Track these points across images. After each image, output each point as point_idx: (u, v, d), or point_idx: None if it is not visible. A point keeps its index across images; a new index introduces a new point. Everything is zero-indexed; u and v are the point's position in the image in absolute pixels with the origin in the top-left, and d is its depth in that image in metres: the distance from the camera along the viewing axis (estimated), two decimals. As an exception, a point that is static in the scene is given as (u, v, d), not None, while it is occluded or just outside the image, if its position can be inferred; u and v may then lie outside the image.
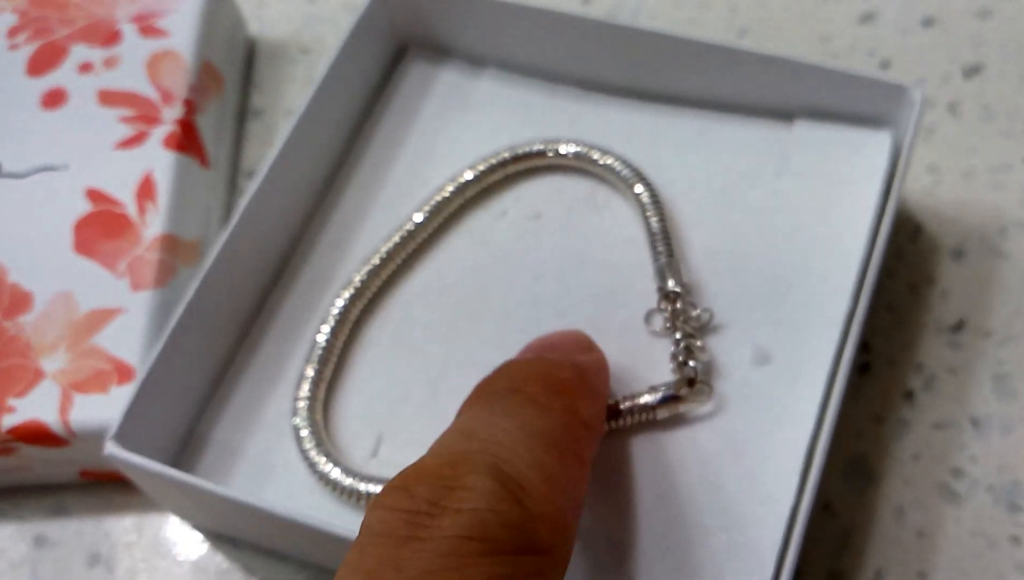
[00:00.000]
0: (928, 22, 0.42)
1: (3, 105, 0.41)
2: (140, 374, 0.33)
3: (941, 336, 0.36)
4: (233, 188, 0.43)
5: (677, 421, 0.32)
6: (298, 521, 0.29)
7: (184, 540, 0.36)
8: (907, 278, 0.37)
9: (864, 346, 0.36)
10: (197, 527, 0.36)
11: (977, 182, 0.38)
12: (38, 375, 0.35)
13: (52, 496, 0.37)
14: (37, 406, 0.35)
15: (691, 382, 0.32)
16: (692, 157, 0.37)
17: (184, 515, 0.35)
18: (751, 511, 0.31)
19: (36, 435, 0.34)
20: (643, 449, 0.32)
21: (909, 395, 0.35)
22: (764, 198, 0.36)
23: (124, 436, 0.32)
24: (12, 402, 0.35)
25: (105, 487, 0.37)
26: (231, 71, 0.44)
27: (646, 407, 0.32)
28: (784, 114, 0.37)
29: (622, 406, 0.32)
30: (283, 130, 0.37)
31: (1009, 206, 0.38)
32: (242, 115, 0.44)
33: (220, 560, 0.35)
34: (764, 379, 0.33)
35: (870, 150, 0.36)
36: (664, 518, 0.31)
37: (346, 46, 0.38)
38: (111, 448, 0.31)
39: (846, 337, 0.33)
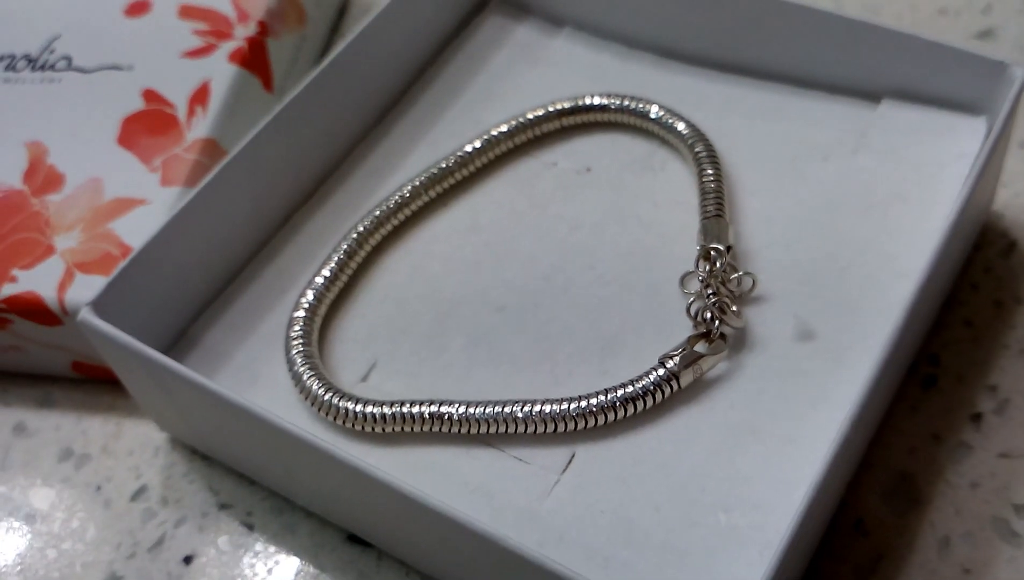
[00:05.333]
0: (1054, 44, 0.36)
1: (89, 10, 0.39)
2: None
3: (1023, 359, 0.29)
4: (296, 124, 0.39)
5: (697, 391, 0.27)
6: (262, 417, 0.25)
7: (156, 451, 0.32)
8: (993, 294, 0.31)
9: (932, 358, 0.30)
10: (174, 437, 0.32)
11: (1089, 207, 0.32)
12: (48, 251, 0.32)
13: (40, 387, 0.34)
14: (39, 280, 0.32)
15: (707, 336, 0.26)
16: (763, 127, 0.32)
17: (161, 418, 0.31)
18: (760, 495, 0.25)
19: (30, 308, 0.31)
20: (655, 415, 0.27)
21: (977, 418, 0.29)
22: (837, 173, 0.30)
23: (103, 308, 0.28)
24: (16, 273, 0.32)
25: (94, 386, 0.34)
26: (318, 15, 0.41)
27: (661, 375, 0.26)
28: (870, 95, 0.32)
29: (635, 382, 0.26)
30: (339, 45, 0.33)
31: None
32: (322, 59, 0.42)
33: (187, 475, 0.31)
34: (804, 357, 0.27)
35: (962, 135, 0.30)
36: (665, 491, 0.25)
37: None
38: (85, 314, 0.28)
39: (906, 326, 0.27)
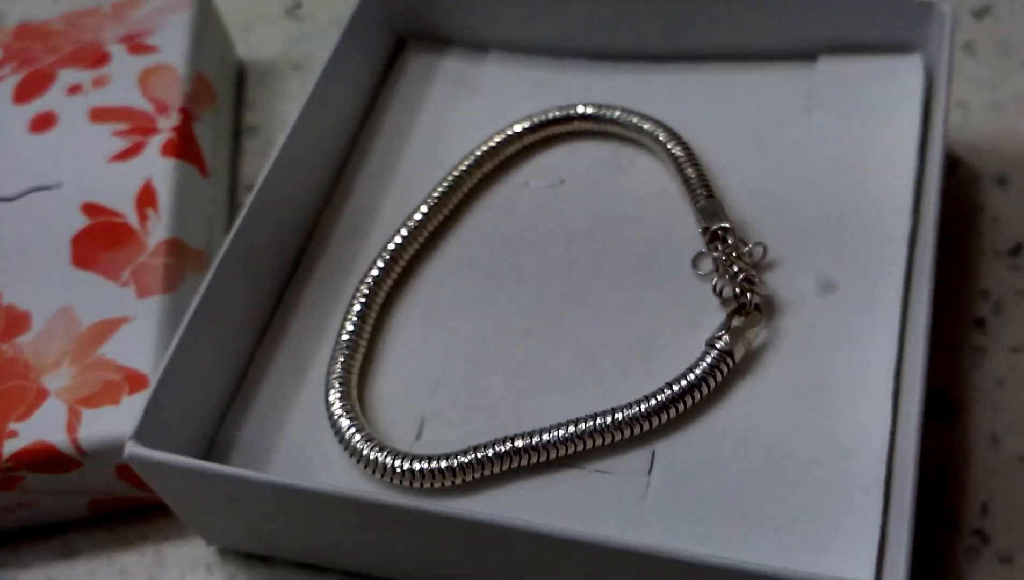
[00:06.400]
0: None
1: (-11, 135, 0.37)
2: (155, 376, 0.28)
3: (1000, 261, 0.32)
4: (234, 203, 0.39)
5: (749, 364, 0.29)
6: (352, 496, 0.25)
7: (209, 567, 0.31)
8: (954, 210, 0.34)
9: (922, 280, 0.32)
10: (225, 547, 0.31)
11: (1007, 112, 0.36)
12: (41, 394, 0.31)
13: (58, 538, 0.32)
14: (42, 427, 0.30)
15: (742, 310, 0.28)
16: (715, 107, 0.34)
17: (211, 531, 0.30)
18: (844, 442, 0.27)
19: (43, 458, 0.30)
20: (717, 396, 0.28)
21: (980, 322, 0.31)
22: (799, 134, 0.33)
23: (144, 437, 0.27)
24: (14, 426, 0.30)
25: (116, 521, 0.32)
26: (223, 88, 0.41)
27: (716, 356, 0.28)
28: (806, 55, 0.34)
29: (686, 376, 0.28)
30: (285, 128, 0.33)
31: (1045, 130, 0.35)
32: (237, 132, 0.41)
33: (255, 580, 0.30)
34: (833, 307, 0.29)
35: (902, 75, 0.33)
36: (753, 461, 0.27)
37: (341, 43, 0.35)
38: (132, 448, 0.27)
39: (912, 256, 0.29)
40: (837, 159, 0.32)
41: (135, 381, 0.31)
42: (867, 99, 0.33)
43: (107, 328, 0.32)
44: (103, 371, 0.31)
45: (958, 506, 0.28)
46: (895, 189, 0.31)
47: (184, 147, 0.36)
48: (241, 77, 0.43)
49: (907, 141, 0.31)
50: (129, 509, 0.32)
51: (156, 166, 0.35)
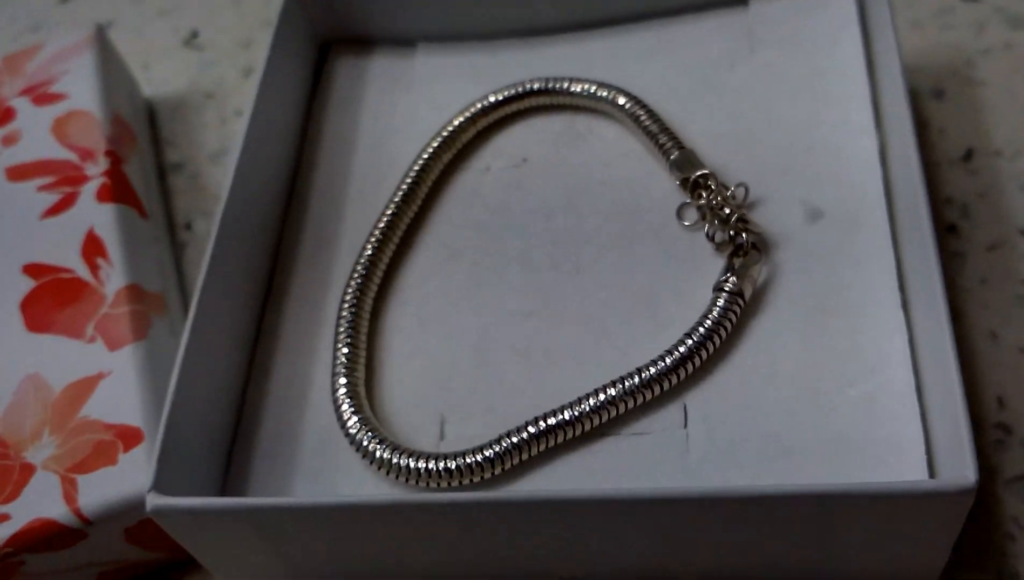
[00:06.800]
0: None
1: (-103, 213, 0.35)
2: (155, 424, 0.27)
3: (956, 168, 0.34)
4: (174, 242, 0.37)
5: (757, 301, 0.29)
6: (411, 501, 0.24)
7: (243, 613, 0.30)
8: (900, 128, 0.35)
9: (887, 198, 0.34)
10: (255, 590, 0.30)
11: (927, 29, 0.37)
12: (26, 470, 0.29)
13: (69, 619, 0.30)
14: (36, 504, 0.28)
15: (740, 251, 0.29)
16: (659, 64, 0.35)
17: (240, 577, 0.29)
18: (867, 359, 0.28)
19: (44, 536, 0.28)
20: (735, 338, 0.29)
21: (952, 228, 0.33)
22: (749, 75, 0.34)
23: (163, 487, 0.26)
24: (3, 509, 0.28)
25: (129, 588, 0.31)
26: (139, 127, 0.39)
27: (727, 299, 0.28)
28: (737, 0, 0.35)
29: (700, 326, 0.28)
30: (232, 155, 0.32)
31: (966, 40, 0.37)
32: (161, 172, 0.40)
33: (294, 618, 0.29)
34: (824, 232, 0.30)
35: (835, 5, 0.34)
36: (785, 394, 0.27)
37: (271, 59, 0.34)
38: (154, 500, 0.25)
39: (886, 173, 0.30)
40: (791, 92, 0.33)
41: (128, 436, 0.29)
42: (807, 31, 0.34)
43: (84, 387, 0.30)
44: (90, 432, 0.29)
45: (976, 403, 0.30)
46: (854, 112, 0.32)
47: (119, 190, 0.35)
48: (151, 115, 0.41)
49: (854, 65, 0.33)
50: (139, 576, 0.31)
51: (95, 214, 0.34)
